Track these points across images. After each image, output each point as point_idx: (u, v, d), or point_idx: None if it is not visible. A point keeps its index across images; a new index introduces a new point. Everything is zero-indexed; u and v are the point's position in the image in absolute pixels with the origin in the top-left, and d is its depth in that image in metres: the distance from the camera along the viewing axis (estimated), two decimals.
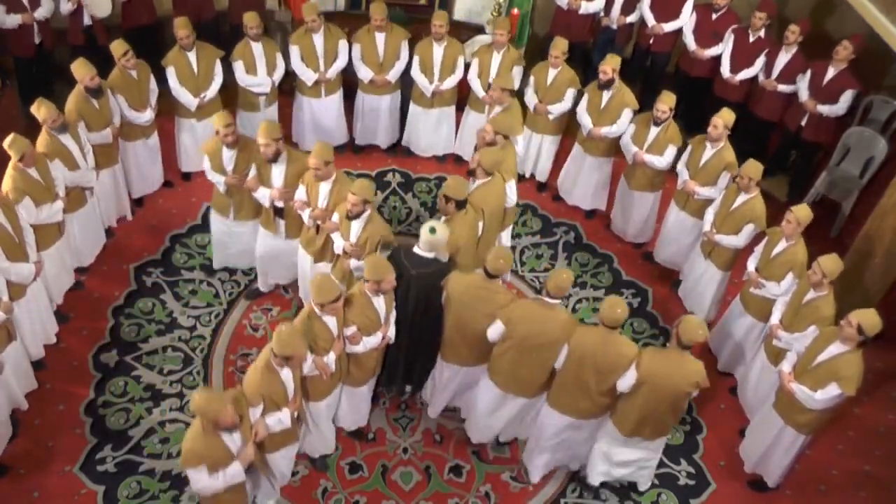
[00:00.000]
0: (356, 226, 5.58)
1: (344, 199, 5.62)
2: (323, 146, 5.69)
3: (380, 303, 5.14)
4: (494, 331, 5.24)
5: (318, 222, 5.83)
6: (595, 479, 5.63)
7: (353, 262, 5.64)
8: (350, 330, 5.10)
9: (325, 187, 5.77)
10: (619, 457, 5.46)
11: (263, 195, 6.01)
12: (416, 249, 5.41)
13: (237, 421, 4.45)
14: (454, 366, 5.62)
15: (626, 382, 5.09)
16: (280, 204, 6.04)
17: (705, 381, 5.05)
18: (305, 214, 5.87)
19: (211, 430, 4.39)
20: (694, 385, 5.01)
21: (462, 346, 5.49)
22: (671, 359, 5.04)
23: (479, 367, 5.57)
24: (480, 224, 5.92)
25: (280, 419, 4.81)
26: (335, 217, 5.72)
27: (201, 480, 4.48)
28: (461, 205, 5.64)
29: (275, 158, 5.87)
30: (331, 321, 4.98)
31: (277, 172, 5.96)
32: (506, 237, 6.76)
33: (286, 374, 4.75)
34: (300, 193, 5.88)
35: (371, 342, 5.19)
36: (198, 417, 4.41)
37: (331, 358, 5.03)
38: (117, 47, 6.47)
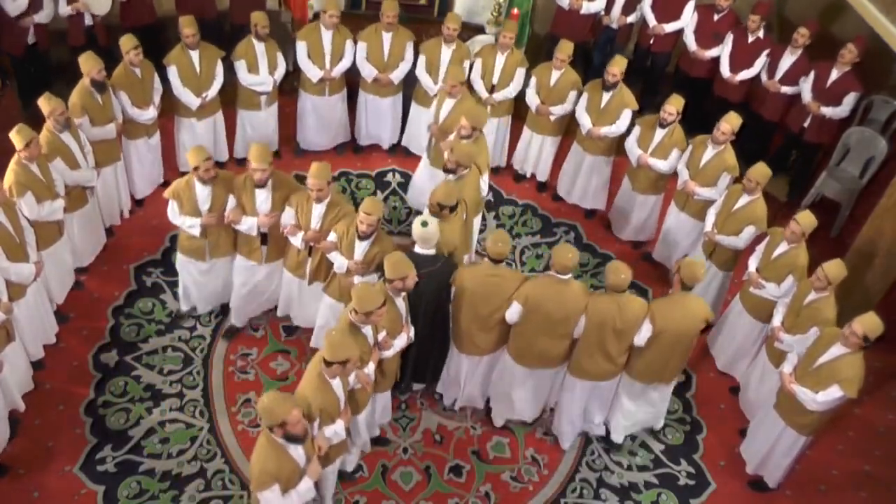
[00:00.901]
0: (364, 244, 5.48)
1: (339, 218, 5.55)
2: (322, 166, 5.51)
3: (400, 303, 5.14)
4: (513, 312, 5.36)
5: (312, 244, 5.71)
6: (618, 437, 5.91)
7: (356, 279, 5.54)
8: (381, 335, 5.07)
9: (318, 208, 5.60)
10: (636, 405, 5.71)
11: (250, 224, 5.74)
12: (417, 250, 5.41)
13: (306, 427, 4.30)
14: (473, 357, 5.68)
15: (642, 337, 5.36)
16: (265, 230, 5.80)
17: (711, 314, 5.48)
18: (297, 238, 5.68)
19: (279, 435, 4.22)
20: (703, 321, 5.39)
21: (479, 336, 5.56)
22: (679, 304, 5.36)
23: (497, 352, 5.69)
24: (465, 214, 5.98)
25: (336, 431, 4.75)
26: (332, 236, 5.57)
27: (273, 502, 4.31)
28: (454, 208, 5.67)
29: (265, 183, 5.65)
30: (368, 332, 4.93)
31: (263, 198, 5.71)
32: (477, 223, 6.72)
33: (337, 385, 4.70)
34: (288, 217, 5.70)
35: (399, 344, 5.19)
36: (262, 436, 4.31)
37: (370, 368, 5.01)
38: (126, 41, 6.45)
